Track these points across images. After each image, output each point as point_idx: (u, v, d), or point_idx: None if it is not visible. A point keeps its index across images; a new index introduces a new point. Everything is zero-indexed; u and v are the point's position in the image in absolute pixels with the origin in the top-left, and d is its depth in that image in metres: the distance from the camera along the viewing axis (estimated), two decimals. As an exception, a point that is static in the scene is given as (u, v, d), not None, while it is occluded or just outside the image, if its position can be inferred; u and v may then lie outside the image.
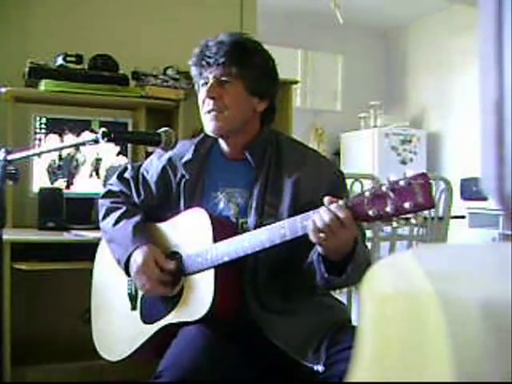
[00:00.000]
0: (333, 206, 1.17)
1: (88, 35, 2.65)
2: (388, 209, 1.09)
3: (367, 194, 1.12)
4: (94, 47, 2.53)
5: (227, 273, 1.38)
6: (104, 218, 1.60)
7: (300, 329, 1.33)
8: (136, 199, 1.60)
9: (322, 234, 1.17)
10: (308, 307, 1.38)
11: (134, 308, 1.56)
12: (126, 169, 1.66)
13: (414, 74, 6.41)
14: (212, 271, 1.36)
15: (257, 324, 1.37)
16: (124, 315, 1.57)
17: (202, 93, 1.45)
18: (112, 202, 1.61)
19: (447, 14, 5.81)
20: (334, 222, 1.16)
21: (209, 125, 1.44)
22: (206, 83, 1.43)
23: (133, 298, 1.57)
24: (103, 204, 1.63)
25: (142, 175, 1.60)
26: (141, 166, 1.63)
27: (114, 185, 1.65)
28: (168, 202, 1.54)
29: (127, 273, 1.49)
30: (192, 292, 1.41)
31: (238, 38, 1.45)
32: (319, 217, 1.18)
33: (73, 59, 2.41)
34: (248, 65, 1.42)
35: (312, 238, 1.19)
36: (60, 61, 2.39)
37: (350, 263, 1.24)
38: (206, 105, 1.44)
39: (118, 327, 1.60)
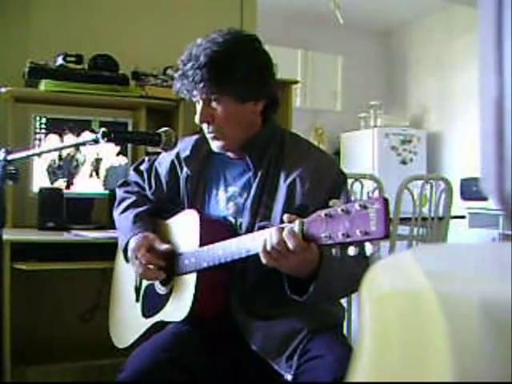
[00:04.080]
0: (285, 230, 1.11)
1: (88, 35, 2.65)
2: (339, 234, 1.00)
3: (322, 214, 1.04)
4: (94, 47, 2.53)
5: (212, 276, 1.38)
6: (116, 206, 1.66)
7: (278, 334, 1.31)
8: (148, 191, 1.65)
9: (270, 257, 1.14)
10: (294, 312, 1.33)
11: (137, 300, 1.60)
12: (143, 161, 1.73)
13: (413, 74, 6.41)
14: (195, 275, 1.37)
15: (238, 327, 1.37)
16: (130, 306, 1.62)
17: (197, 113, 1.42)
18: (125, 192, 1.68)
19: (447, 14, 5.81)
20: (281, 246, 1.11)
21: (213, 145, 1.45)
22: (198, 101, 1.41)
23: (137, 290, 1.61)
24: (118, 193, 1.70)
25: (155, 168, 1.64)
26: (156, 159, 1.67)
27: (131, 176, 1.72)
28: (177, 197, 1.56)
29: (126, 259, 1.52)
30: (178, 293, 1.43)
31: (212, 53, 1.34)
32: (269, 238, 1.13)
33: (73, 59, 2.41)
34: (228, 80, 1.35)
35: (262, 258, 1.15)
36: (60, 61, 2.39)
37: (312, 283, 1.18)
38: (203, 127, 1.44)
39: (124, 316, 1.66)
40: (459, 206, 4.68)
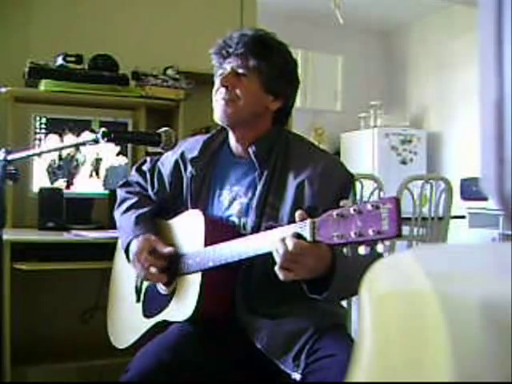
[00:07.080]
0: (287, 239, 1.12)
1: (88, 35, 2.65)
2: (352, 233, 1.01)
3: (334, 214, 1.06)
4: (94, 47, 2.53)
5: (217, 276, 1.38)
6: (117, 206, 1.66)
7: (283, 333, 1.31)
8: (150, 191, 1.64)
9: (286, 271, 1.13)
10: (298, 312, 1.34)
11: (138, 300, 1.60)
12: (145, 161, 1.72)
13: (414, 74, 6.41)
14: (200, 275, 1.37)
15: (242, 326, 1.37)
16: (130, 306, 1.62)
17: (216, 82, 1.45)
18: (127, 192, 1.67)
19: (447, 14, 5.81)
20: (289, 254, 1.11)
21: (218, 111, 1.44)
22: (226, 69, 1.44)
23: (138, 290, 1.61)
24: (119, 194, 1.70)
25: (158, 168, 1.64)
26: (158, 159, 1.67)
27: (133, 176, 1.72)
28: (180, 197, 1.56)
29: (128, 259, 1.52)
30: (182, 293, 1.43)
31: (261, 33, 1.46)
32: (276, 254, 1.13)
33: (73, 59, 2.41)
34: (266, 60, 1.42)
35: (280, 276, 1.15)
36: (60, 61, 2.39)
37: (331, 279, 1.18)
38: (218, 93, 1.44)
39: (124, 317, 1.65)
40: (459, 205, 4.68)
